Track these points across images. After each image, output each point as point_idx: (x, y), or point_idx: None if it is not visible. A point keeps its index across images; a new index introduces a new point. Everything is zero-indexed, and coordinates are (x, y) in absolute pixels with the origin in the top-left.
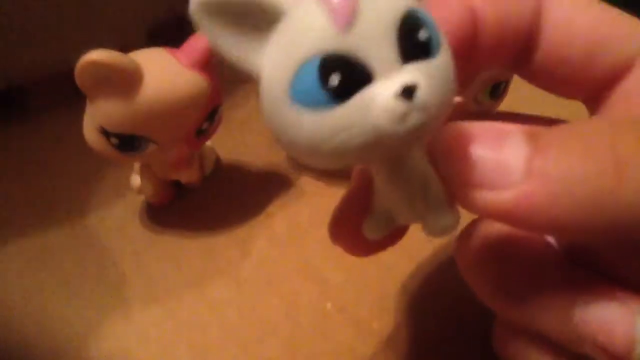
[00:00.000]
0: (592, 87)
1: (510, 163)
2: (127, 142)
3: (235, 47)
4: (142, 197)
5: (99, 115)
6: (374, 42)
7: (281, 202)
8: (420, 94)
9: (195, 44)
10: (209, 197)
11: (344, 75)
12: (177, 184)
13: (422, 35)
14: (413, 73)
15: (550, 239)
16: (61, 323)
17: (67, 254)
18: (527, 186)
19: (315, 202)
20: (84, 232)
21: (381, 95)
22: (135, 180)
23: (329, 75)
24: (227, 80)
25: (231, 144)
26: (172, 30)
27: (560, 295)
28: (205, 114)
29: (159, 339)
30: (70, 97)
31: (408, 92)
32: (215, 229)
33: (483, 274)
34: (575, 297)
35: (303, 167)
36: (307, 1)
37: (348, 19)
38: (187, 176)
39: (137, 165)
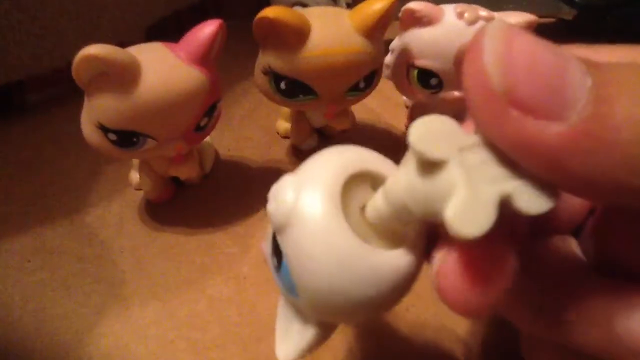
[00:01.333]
0: None
1: (571, 94)
2: (125, 138)
3: None
4: (141, 194)
5: (96, 111)
6: None
7: None
8: None
9: (194, 39)
10: (208, 193)
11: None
12: (176, 181)
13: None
14: None
15: (579, 252)
16: (60, 321)
17: (66, 251)
18: (587, 124)
19: None
20: (83, 229)
21: None
22: (134, 176)
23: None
24: (226, 76)
25: (231, 139)
26: (171, 26)
27: (599, 307)
28: (204, 109)
29: (158, 336)
30: (69, 93)
31: None
32: (214, 226)
33: (519, 298)
34: (615, 308)
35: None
36: None
37: None
38: (186, 172)
39: (135, 162)
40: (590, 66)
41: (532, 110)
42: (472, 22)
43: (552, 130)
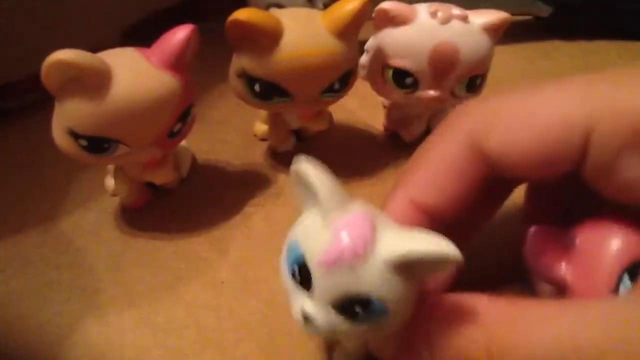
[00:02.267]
0: None
1: None
2: (96, 144)
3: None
4: (117, 200)
5: (66, 117)
6: (325, 283)
7: (259, 201)
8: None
9: (166, 43)
10: (185, 198)
11: (300, 270)
12: (152, 186)
13: (357, 309)
14: (322, 312)
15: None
16: (35, 331)
17: (41, 260)
18: None
19: (294, 201)
20: (58, 237)
21: (298, 306)
22: (110, 182)
23: (294, 265)
24: (203, 79)
25: (208, 143)
26: (148, 29)
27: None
28: (177, 115)
29: (135, 344)
30: (44, 99)
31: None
32: (192, 231)
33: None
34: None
35: (281, 166)
36: (331, 216)
37: (330, 265)
38: (161, 177)
39: (111, 167)
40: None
41: None
42: (445, 21)
43: None
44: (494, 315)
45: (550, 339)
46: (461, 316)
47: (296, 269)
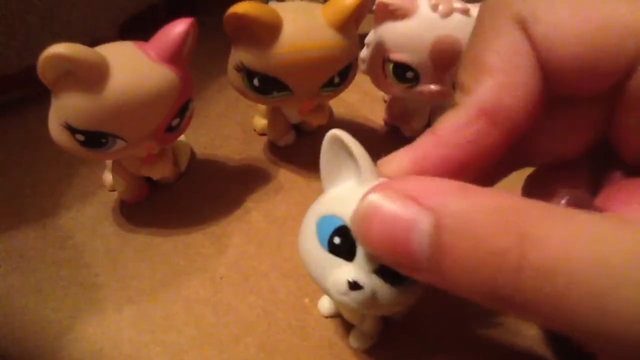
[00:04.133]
0: None
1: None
2: (94, 139)
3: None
4: (115, 195)
5: (63, 111)
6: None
7: (258, 196)
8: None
9: (165, 37)
10: (184, 193)
11: (342, 240)
12: (151, 181)
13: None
14: (367, 279)
15: None
16: (32, 327)
17: (39, 255)
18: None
19: (294, 196)
20: (56, 232)
21: (339, 275)
22: (108, 177)
23: (335, 237)
24: (202, 73)
25: (207, 137)
26: (146, 23)
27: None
28: (175, 109)
29: (133, 340)
30: (40, 93)
31: (354, 285)
32: (190, 226)
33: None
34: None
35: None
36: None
37: None
38: (160, 172)
39: (109, 162)
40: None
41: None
42: (446, 14)
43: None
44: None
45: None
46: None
47: (337, 240)
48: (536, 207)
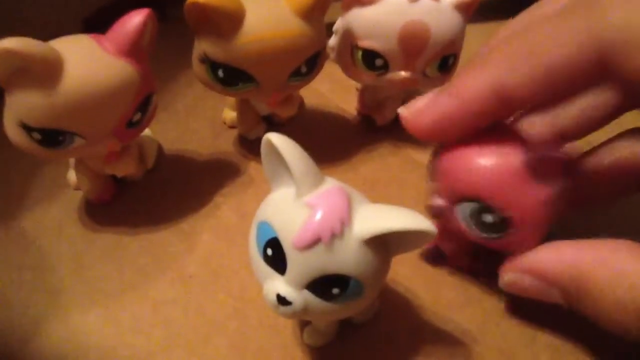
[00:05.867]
0: None
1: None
2: (50, 137)
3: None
4: (80, 194)
5: (17, 109)
6: (301, 264)
7: (229, 191)
8: (291, 306)
9: (121, 29)
10: (151, 189)
11: (273, 252)
12: (117, 178)
13: (334, 290)
14: (297, 295)
15: None
16: None
17: (2, 259)
18: None
19: (265, 191)
20: (19, 235)
21: (270, 287)
22: (72, 176)
23: (267, 248)
24: (168, 66)
25: (175, 132)
26: (110, 17)
27: None
28: (136, 104)
29: (99, 345)
30: None
31: (282, 300)
32: (159, 224)
33: None
34: None
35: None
36: (308, 197)
37: (307, 245)
38: (124, 170)
39: (72, 160)
40: None
41: None
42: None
43: None
44: None
45: None
46: None
47: (269, 251)
48: None
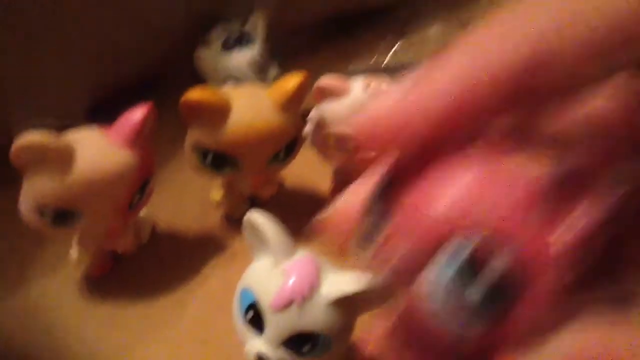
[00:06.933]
0: None
1: None
2: (61, 217)
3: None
4: (80, 268)
5: (33, 192)
6: (277, 324)
7: (215, 263)
8: None
9: (126, 122)
10: (145, 263)
11: (254, 315)
12: (114, 253)
13: (305, 347)
14: (274, 353)
15: None
16: None
17: (8, 327)
18: None
19: (248, 262)
20: (25, 303)
21: (250, 347)
22: (74, 252)
23: (249, 311)
24: (163, 150)
25: (168, 211)
26: (112, 105)
27: None
28: (136, 188)
29: None
30: (9, 170)
31: (260, 357)
32: (152, 294)
33: None
34: None
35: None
36: (283, 261)
37: (282, 306)
38: (123, 245)
39: (75, 237)
40: None
41: None
42: (375, 93)
43: None
44: None
45: None
46: None
47: (250, 313)
48: None
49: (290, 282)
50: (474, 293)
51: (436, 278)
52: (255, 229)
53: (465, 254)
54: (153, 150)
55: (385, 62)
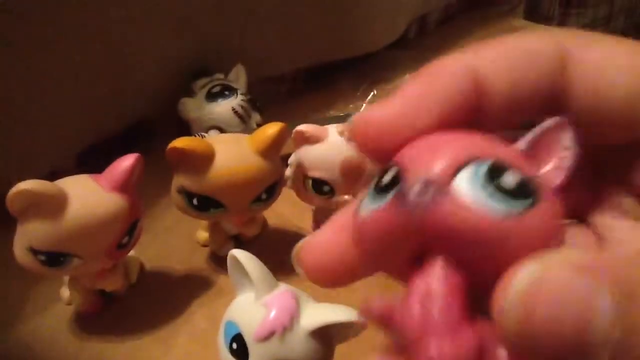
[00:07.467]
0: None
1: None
2: (54, 259)
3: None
4: (71, 308)
5: (27, 236)
6: (260, 354)
7: (201, 300)
8: None
9: (114, 170)
10: (134, 301)
11: (238, 346)
12: (104, 292)
13: None
14: None
15: None
16: None
17: None
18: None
19: (232, 299)
20: (18, 342)
21: None
22: (65, 292)
23: (233, 342)
24: (150, 192)
25: (155, 251)
26: (100, 153)
27: None
28: (125, 230)
29: None
30: (1, 213)
31: None
32: (140, 332)
33: None
34: None
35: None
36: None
37: (264, 337)
38: (112, 284)
39: (66, 278)
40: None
41: None
42: (350, 139)
43: None
44: None
45: None
46: None
47: (234, 345)
48: None
49: (272, 314)
50: (510, 179)
51: (470, 181)
52: (238, 265)
53: (485, 167)
54: (141, 193)
55: (362, 109)
